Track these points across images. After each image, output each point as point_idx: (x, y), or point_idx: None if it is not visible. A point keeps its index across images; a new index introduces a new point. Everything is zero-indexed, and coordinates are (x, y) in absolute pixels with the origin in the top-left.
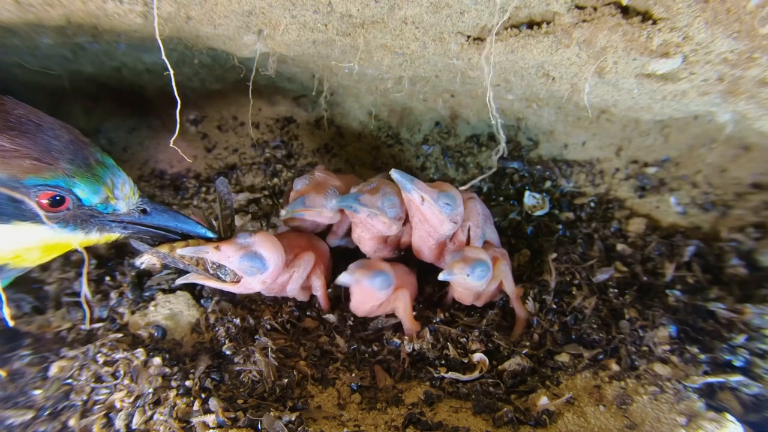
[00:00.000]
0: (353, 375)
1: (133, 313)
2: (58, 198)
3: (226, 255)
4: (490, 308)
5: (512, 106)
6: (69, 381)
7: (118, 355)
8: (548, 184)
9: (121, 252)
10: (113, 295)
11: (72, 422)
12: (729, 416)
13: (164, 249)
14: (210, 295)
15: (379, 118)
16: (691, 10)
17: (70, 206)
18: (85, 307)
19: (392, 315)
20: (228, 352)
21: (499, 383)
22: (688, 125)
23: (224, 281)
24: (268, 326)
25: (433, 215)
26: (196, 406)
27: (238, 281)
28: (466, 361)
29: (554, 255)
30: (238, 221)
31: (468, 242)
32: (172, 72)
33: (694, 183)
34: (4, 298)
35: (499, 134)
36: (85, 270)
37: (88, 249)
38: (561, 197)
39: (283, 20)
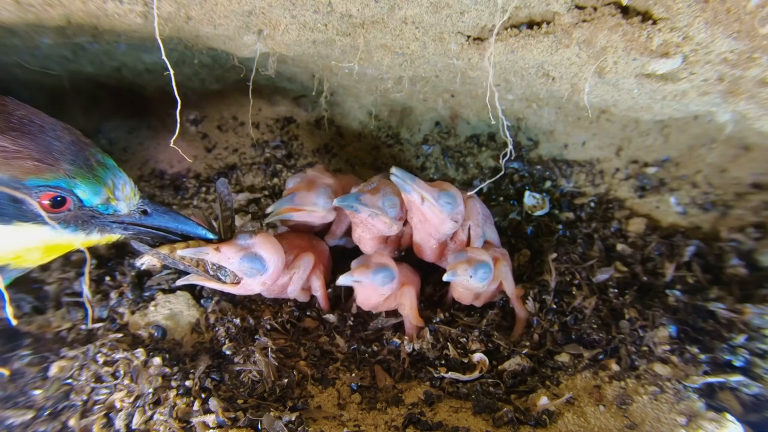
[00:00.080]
0: (353, 375)
1: (133, 313)
2: (59, 199)
3: (226, 256)
4: (490, 308)
5: (512, 106)
6: (69, 381)
7: (118, 355)
8: (548, 184)
9: (121, 252)
10: (113, 295)
11: (72, 422)
12: (729, 416)
13: (164, 250)
14: (210, 295)
15: (379, 118)
16: (691, 10)
17: (71, 207)
18: (88, 306)
19: (393, 315)
20: (228, 352)
21: (499, 383)
22: (688, 125)
23: (224, 282)
24: (268, 326)
25: (434, 215)
26: (196, 406)
27: (238, 282)
28: (466, 361)
29: (554, 255)
30: (238, 221)
31: (468, 242)
32: (172, 72)
33: (694, 183)
34: (6, 297)
35: (506, 137)
36: (87, 270)
37: (88, 249)
38: (561, 197)
39: (283, 20)
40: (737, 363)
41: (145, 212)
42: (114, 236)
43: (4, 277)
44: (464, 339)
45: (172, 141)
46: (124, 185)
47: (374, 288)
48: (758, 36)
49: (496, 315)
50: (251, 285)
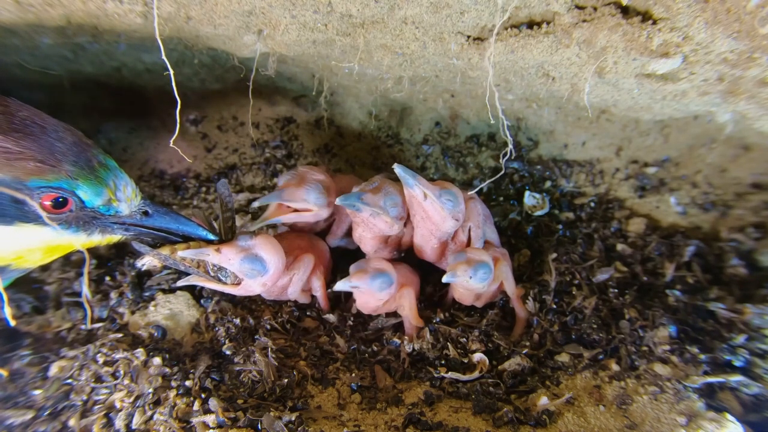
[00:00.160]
0: (353, 375)
1: (133, 313)
2: (61, 200)
3: (227, 257)
4: (490, 308)
5: (512, 106)
6: (69, 381)
7: (118, 355)
8: (548, 184)
9: (121, 252)
10: (113, 295)
11: (72, 422)
12: (729, 416)
13: (165, 251)
14: (210, 295)
15: (379, 118)
16: (691, 10)
17: (72, 208)
18: (87, 307)
19: (393, 315)
20: (228, 352)
21: (499, 383)
22: (688, 125)
23: (225, 283)
24: (268, 326)
25: (436, 212)
26: (196, 406)
27: (238, 283)
28: (466, 361)
29: (554, 255)
30: (238, 221)
31: (469, 242)
32: (172, 72)
33: (694, 183)
34: (5, 297)
35: (506, 136)
36: (86, 270)
37: (88, 249)
38: (561, 197)
39: (283, 20)
40: (737, 363)
41: (146, 213)
42: (115, 237)
43: (5, 277)
44: (464, 339)
45: (172, 141)
46: (125, 186)
47: (372, 293)
48: (758, 36)
49: (496, 315)
50: (252, 286)
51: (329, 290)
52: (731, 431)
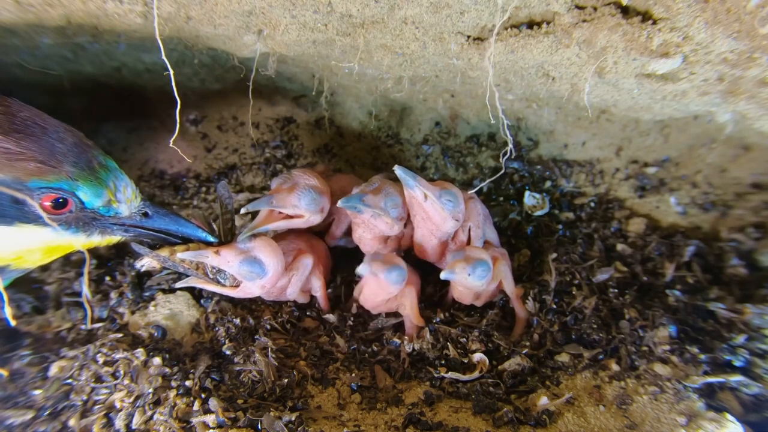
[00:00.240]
0: (353, 375)
1: (133, 313)
2: (61, 200)
3: (226, 260)
4: (490, 308)
5: (512, 106)
6: (69, 381)
7: (118, 355)
8: (548, 184)
9: (121, 252)
10: (113, 295)
11: (72, 422)
12: (729, 416)
13: (164, 252)
14: (210, 296)
15: (379, 118)
16: (691, 10)
17: (72, 209)
18: (87, 306)
19: (393, 315)
20: (228, 352)
21: (499, 383)
22: (688, 125)
23: (224, 285)
24: (268, 326)
25: (436, 212)
26: (196, 406)
27: (237, 286)
28: (466, 361)
29: (554, 255)
30: (238, 222)
31: (469, 242)
32: (172, 72)
33: (694, 183)
34: (5, 297)
35: (506, 136)
36: (86, 270)
37: (88, 250)
38: (561, 197)
39: (283, 20)
40: (737, 363)
41: (146, 214)
42: (114, 238)
43: (5, 277)
44: (464, 339)
45: (172, 141)
46: (125, 187)
47: (386, 285)
48: (758, 36)
49: (496, 315)
50: (251, 288)
51: (329, 289)
52: (731, 431)
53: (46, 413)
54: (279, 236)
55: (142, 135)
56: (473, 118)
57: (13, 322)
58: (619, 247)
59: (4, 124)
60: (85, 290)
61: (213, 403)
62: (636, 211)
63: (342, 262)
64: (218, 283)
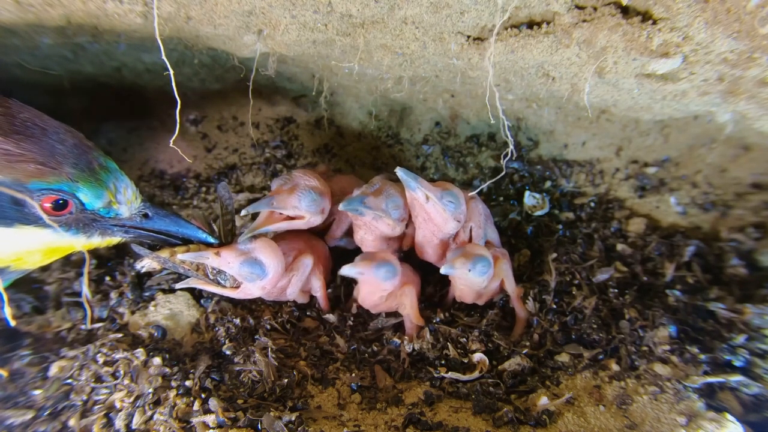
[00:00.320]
0: (353, 375)
1: (133, 313)
2: (61, 202)
3: (227, 261)
4: (490, 308)
5: (512, 106)
6: (69, 381)
7: (118, 355)
8: (548, 184)
9: (121, 252)
10: (113, 295)
11: (72, 422)
12: (729, 416)
13: (165, 254)
14: (210, 296)
15: (379, 118)
16: (691, 10)
17: (73, 210)
18: (87, 307)
19: (393, 315)
20: (228, 352)
21: (499, 383)
22: (688, 125)
23: (224, 287)
24: (268, 326)
25: (438, 214)
26: (196, 406)
27: (237, 287)
28: (466, 361)
29: (554, 255)
30: (238, 222)
31: (470, 242)
32: (172, 72)
33: (694, 183)
34: (5, 298)
35: (507, 137)
36: (86, 271)
37: (89, 251)
38: (561, 197)
39: (283, 20)
40: (737, 363)
41: (146, 216)
42: (115, 239)
43: (5, 278)
44: (464, 339)
45: (172, 141)
46: (125, 189)
47: (376, 283)
48: (758, 36)
49: (496, 315)
50: (251, 289)
51: (329, 289)
52: (731, 431)
53: (46, 413)
54: (279, 237)
55: (142, 135)
56: (473, 118)
57: (12, 323)
58: (619, 247)
59: (4, 126)
60: (85, 290)
61: (213, 403)
62: (636, 211)
63: (342, 262)
64: (219, 284)
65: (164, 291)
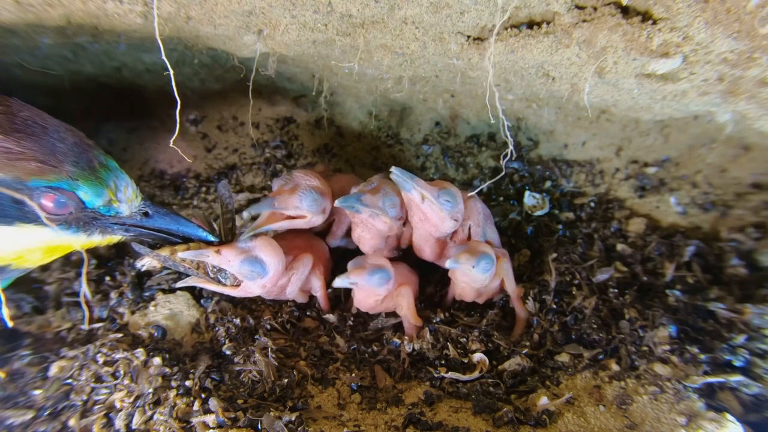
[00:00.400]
0: (353, 375)
1: (133, 313)
2: (61, 200)
3: (227, 259)
4: (490, 308)
5: (512, 106)
6: (69, 381)
7: (118, 355)
8: (548, 184)
9: (121, 252)
10: (113, 295)
11: (72, 422)
12: (729, 416)
13: (165, 252)
14: (210, 296)
15: (379, 118)
16: (691, 10)
17: (73, 209)
18: (84, 307)
19: (392, 315)
20: (228, 352)
21: (499, 383)
22: (688, 125)
23: (224, 285)
24: (268, 326)
25: (434, 213)
26: (196, 406)
27: (238, 285)
28: (466, 361)
29: (554, 255)
30: (238, 222)
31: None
32: (172, 72)
33: (694, 183)
34: (3, 299)
35: (506, 137)
36: (84, 270)
37: (88, 250)
38: (561, 197)
39: (283, 20)
40: (737, 363)
41: (146, 214)
42: (115, 238)
43: (5, 277)
44: (464, 339)
45: (172, 141)
46: (126, 187)
47: (370, 290)
48: (758, 36)
49: (496, 315)
50: (251, 288)
51: (329, 289)
52: (731, 431)
53: (46, 413)
54: (279, 236)
55: (142, 135)
56: (473, 118)
57: (10, 323)
58: (619, 247)
59: (5, 124)
60: (84, 290)
61: (213, 403)
62: (636, 211)
63: (342, 262)
64: (219, 282)
65: (164, 291)
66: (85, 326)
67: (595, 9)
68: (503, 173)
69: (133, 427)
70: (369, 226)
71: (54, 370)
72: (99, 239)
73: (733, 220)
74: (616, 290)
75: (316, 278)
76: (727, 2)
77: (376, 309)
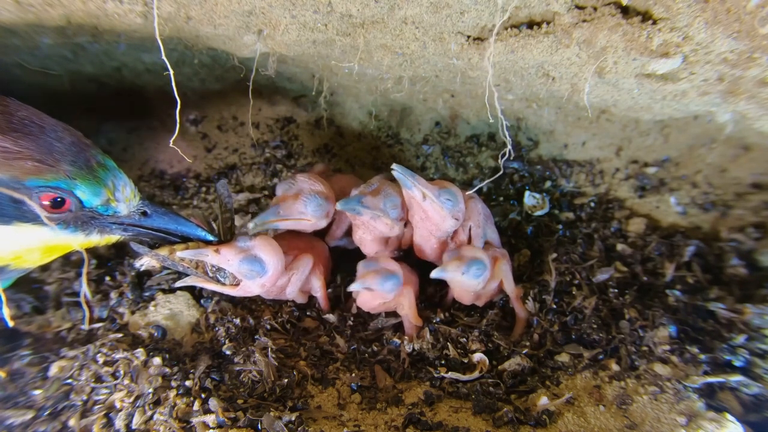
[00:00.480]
0: (353, 375)
1: (133, 313)
2: (59, 200)
3: (226, 258)
4: (490, 308)
5: (512, 106)
6: (69, 381)
7: (118, 355)
8: (548, 184)
9: (121, 252)
10: (113, 295)
11: (72, 422)
12: (729, 416)
13: (164, 251)
14: (210, 295)
15: (379, 118)
16: (691, 10)
17: (71, 208)
18: (85, 307)
19: (393, 315)
20: (228, 352)
21: (499, 383)
22: (688, 125)
23: (224, 284)
24: (268, 326)
25: (435, 212)
26: (196, 406)
27: (237, 284)
28: (466, 361)
29: (554, 255)
30: (238, 221)
31: (469, 242)
32: (172, 72)
33: (694, 183)
34: (4, 298)
35: (505, 137)
36: (84, 270)
37: (88, 249)
38: (561, 197)
39: (283, 20)
40: (737, 363)
41: (144, 213)
42: (113, 237)
43: (5, 277)
44: (464, 339)
45: (171, 141)
46: (124, 186)
47: (382, 294)
48: (758, 36)
49: (496, 315)
50: (250, 287)
51: (329, 289)
52: (731, 431)
53: (46, 413)
54: (279, 236)
55: (142, 135)
56: (473, 118)
57: (11, 323)
58: (619, 247)
59: (2, 124)
60: (84, 290)
61: (213, 403)
62: (636, 211)
63: (342, 262)
64: (218, 281)
65: (164, 291)
66: (85, 326)
67: (595, 9)
68: (501, 172)
69: (133, 427)
70: (371, 228)
71: (54, 370)
72: (97, 239)
73: (733, 220)
74: (616, 290)
75: (316, 278)
76: (727, 2)
77: (378, 309)
